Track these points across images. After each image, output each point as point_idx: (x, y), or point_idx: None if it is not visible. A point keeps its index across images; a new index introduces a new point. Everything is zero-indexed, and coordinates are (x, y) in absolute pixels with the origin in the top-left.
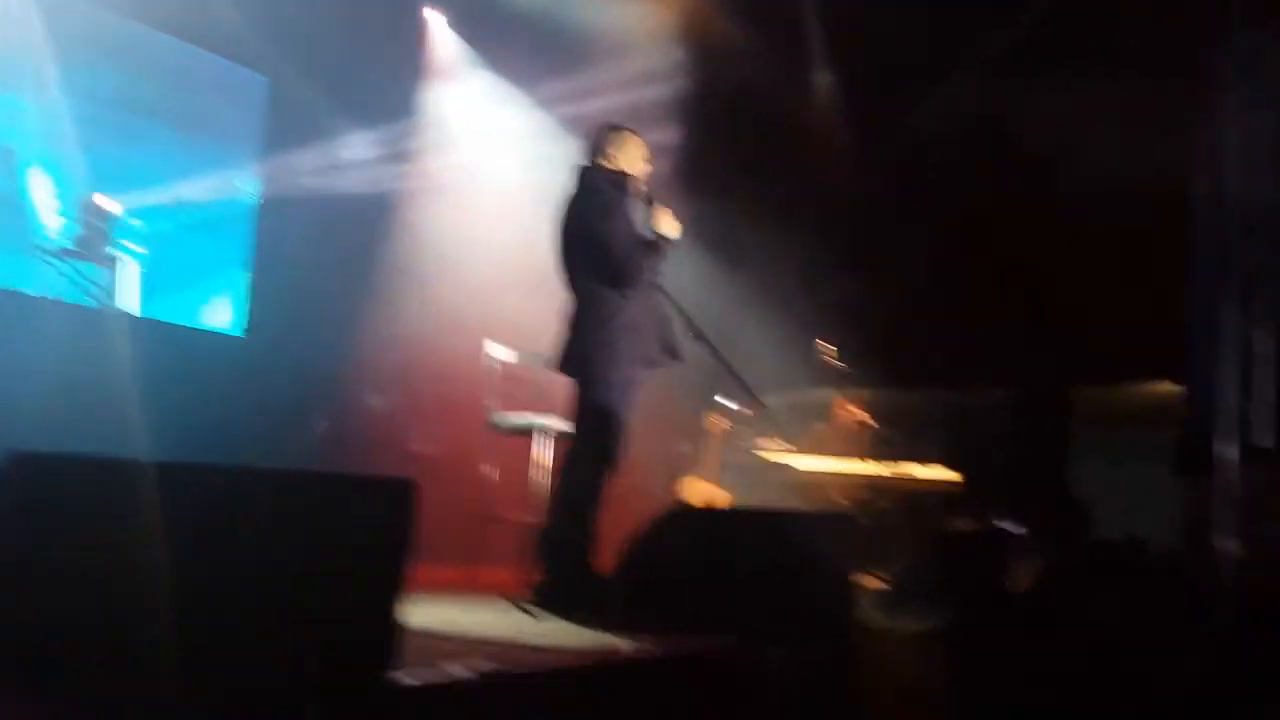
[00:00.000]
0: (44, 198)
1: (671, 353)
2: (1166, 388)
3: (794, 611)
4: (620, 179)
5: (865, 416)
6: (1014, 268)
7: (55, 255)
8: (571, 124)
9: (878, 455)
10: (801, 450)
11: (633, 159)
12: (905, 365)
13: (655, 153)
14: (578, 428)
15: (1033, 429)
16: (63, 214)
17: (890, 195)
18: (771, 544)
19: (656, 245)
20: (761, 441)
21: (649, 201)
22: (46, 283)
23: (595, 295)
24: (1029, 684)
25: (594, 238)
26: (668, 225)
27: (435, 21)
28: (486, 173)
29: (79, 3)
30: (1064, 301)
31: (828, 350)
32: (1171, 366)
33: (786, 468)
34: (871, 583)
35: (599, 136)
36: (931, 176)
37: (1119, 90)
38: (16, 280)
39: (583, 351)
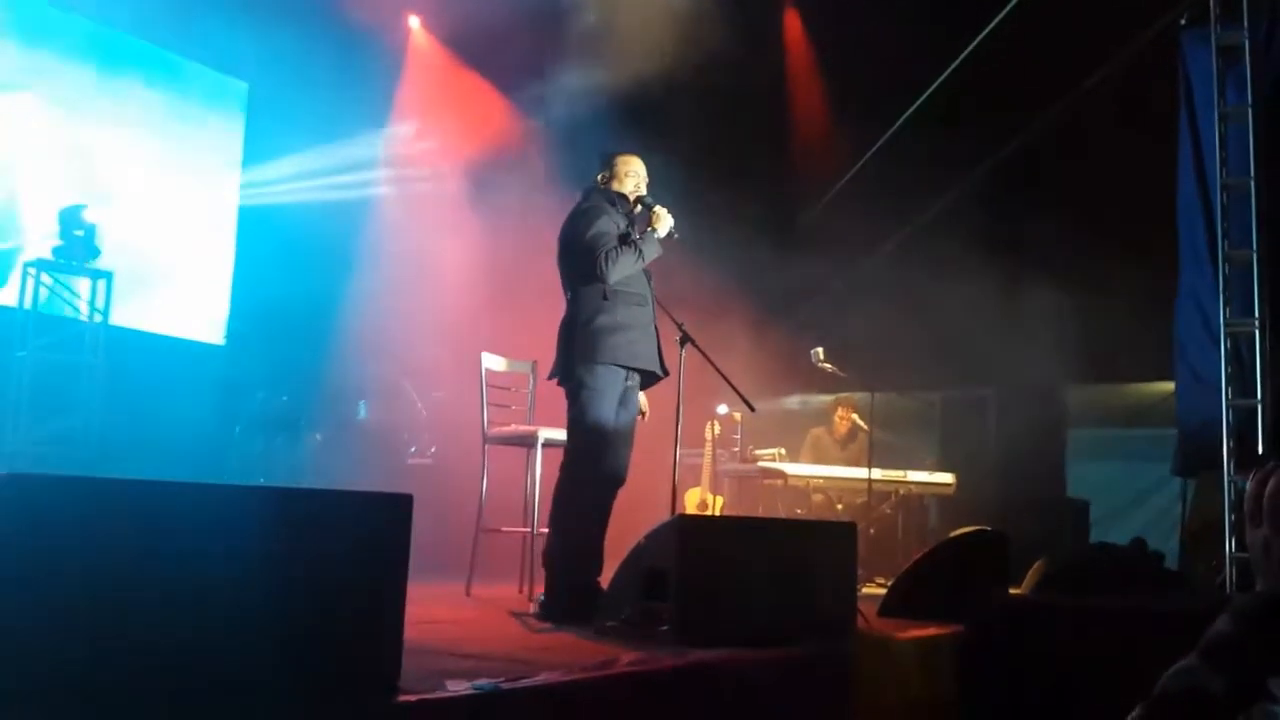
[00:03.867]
0: (26, 209)
1: (658, 365)
2: (1163, 388)
3: (796, 618)
4: (616, 196)
5: (862, 421)
6: (1010, 268)
7: (40, 268)
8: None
9: (876, 459)
10: (799, 455)
11: (629, 178)
12: (902, 369)
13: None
14: (568, 436)
15: (1031, 430)
16: (48, 227)
17: (881, 197)
18: (773, 551)
19: (637, 241)
20: (756, 447)
21: (647, 207)
22: (30, 294)
23: (579, 296)
24: (1032, 685)
25: (578, 235)
26: (664, 224)
27: (416, 26)
28: (475, 180)
29: (61, 13)
30: (1059, 302)
31: (824, 356)
32: (1166, 366)
33: (783, 473)
34: (872, 589)
35: (603, 161)
36: (922, 178)
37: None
38: (3, 294)
39: (568, 359)
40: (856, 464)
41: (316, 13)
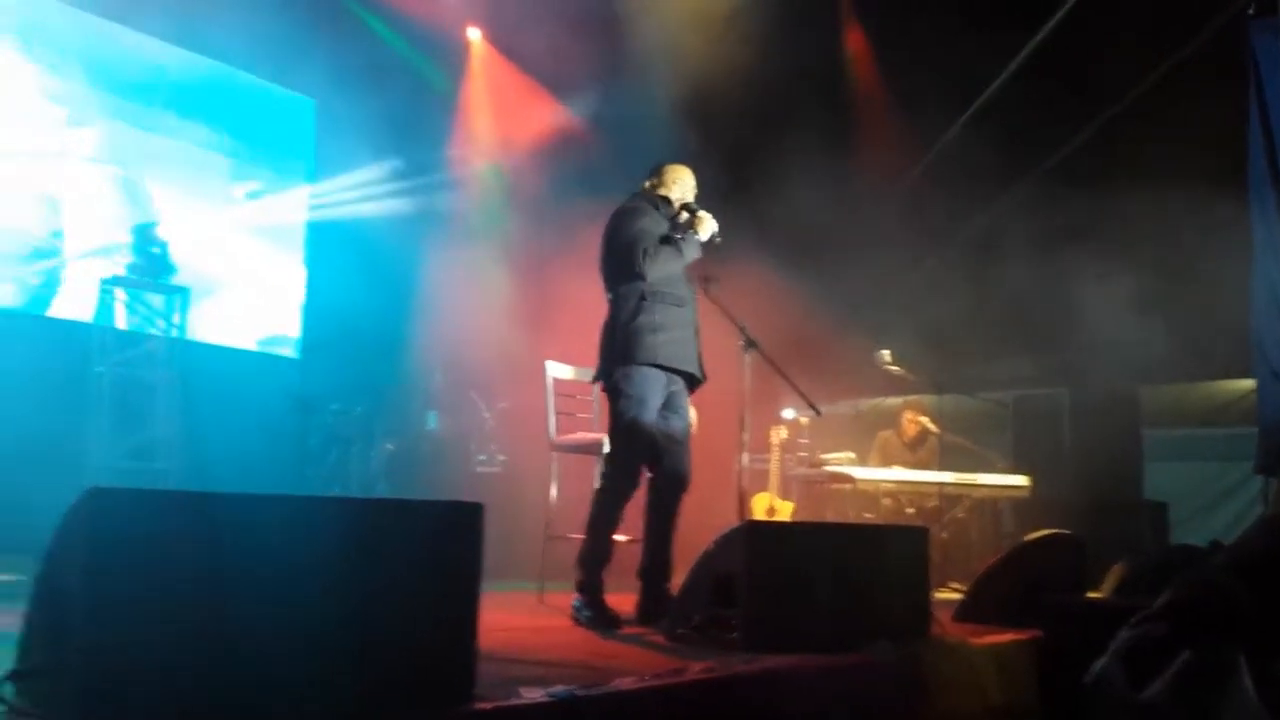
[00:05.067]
0: (101, 227)
1: (696, 367)
2: (1242, 385)
3: (868, 625)
4: (660, 200)
5: (931, 424)
6: (1081, 266)
7: (117, 285)
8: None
9: (946, 463)
10: (866, 459)
11: (675, 185)
12: (971, 370)
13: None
14: (609, 439)
15: (1106, 431)
16: (123, 244)
17: (946, 194)
18: (843, 557)
19: (678, 241)
20: (824, 451)
21: (691, 212)
22: (109, 312)
23: (619, 296)
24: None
25: (619, 232)
26: (706, 227)
27: (476, 39)
28: (537, 188)
29: (130, 34)
30: (1133, 299)
31: (890, 358)
32: (1245, 364)
33: (851, 478)
34: (946, 594)
35: (652, 170)
36: (988, 174)
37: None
38: (81, 310)
39: (609, 363)
40: (925, 467)
41: (378, 29)
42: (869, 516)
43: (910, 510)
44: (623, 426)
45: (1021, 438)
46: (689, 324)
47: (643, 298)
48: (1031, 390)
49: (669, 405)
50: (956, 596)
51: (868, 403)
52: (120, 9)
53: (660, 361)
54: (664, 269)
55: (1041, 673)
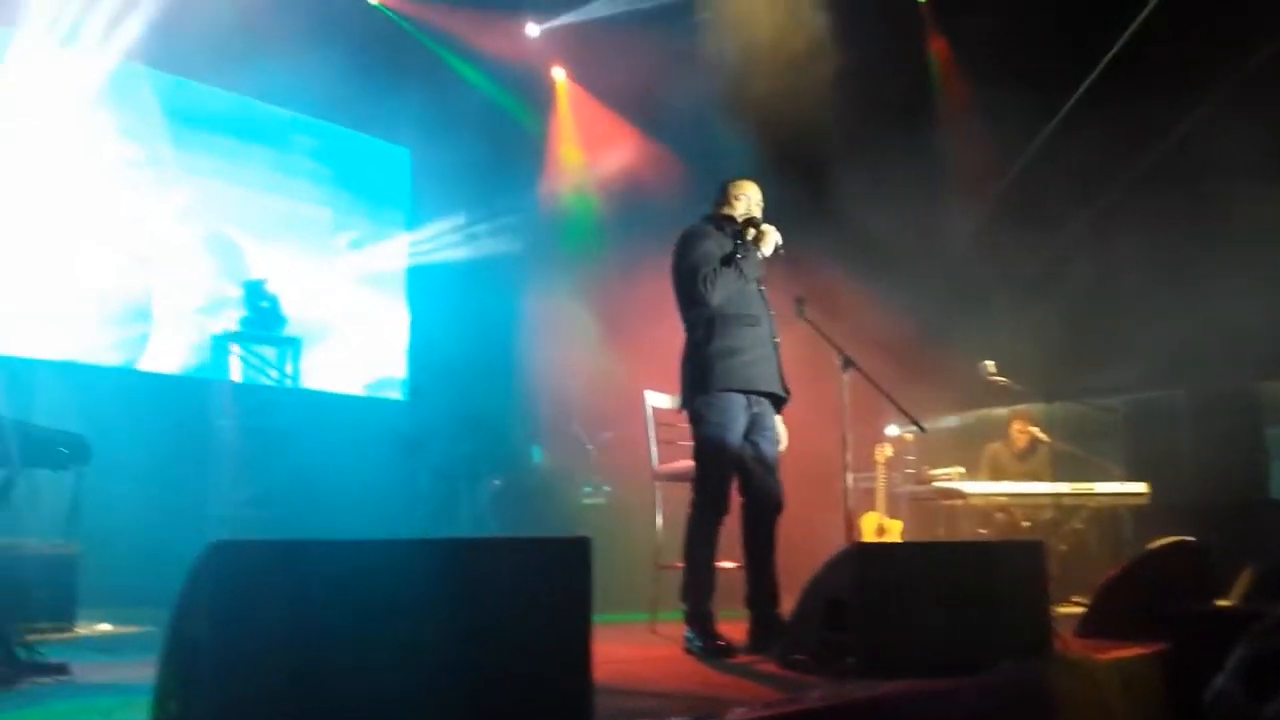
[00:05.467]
0: (213, 286)
1: (777, 385)
2: None
3: (987, 644)
4: (722, 220)
5: (1042, 433)
6: (1189, 257)
7: (231, 339)
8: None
9: (1059, 472)
10: (976, 473)
11: (739, 202)
12: (1079, 376)
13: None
14: (695, 466)
15: (1227, 432)
16: (234, 299)
17: (1045, 196)
18: (956, 576)
19: (738, 260)
20: (932, 467)
21: (755, 226)
22: (224, 366)
23: (690, 323)
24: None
25: (682, 260)
26: (768, 242)
27: (561, 78)
28: (628, 220)
29: (231, 96)
30: (1248, 290)
31: (994, 369)
32: None
33: (961, 493)
34: (1067, 609)
35: (718, 189)
36: (1088, 171)
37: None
38: (195, 365)
39: (689, 391)
40: (1037, 478)
41: (467, 75)
42: (983, 532)
43: (1025, 524)
44: (707, 453)
45: (1136, 443)
46: (766, 342)
47: (712, 322)
48: (1143, 394)
49: (756, 428)
50: (1079, 611)
51: (974, 414)
52: (212, 71)
53: (739, 385)
54: (728, 290)
55: (1170, 687)
